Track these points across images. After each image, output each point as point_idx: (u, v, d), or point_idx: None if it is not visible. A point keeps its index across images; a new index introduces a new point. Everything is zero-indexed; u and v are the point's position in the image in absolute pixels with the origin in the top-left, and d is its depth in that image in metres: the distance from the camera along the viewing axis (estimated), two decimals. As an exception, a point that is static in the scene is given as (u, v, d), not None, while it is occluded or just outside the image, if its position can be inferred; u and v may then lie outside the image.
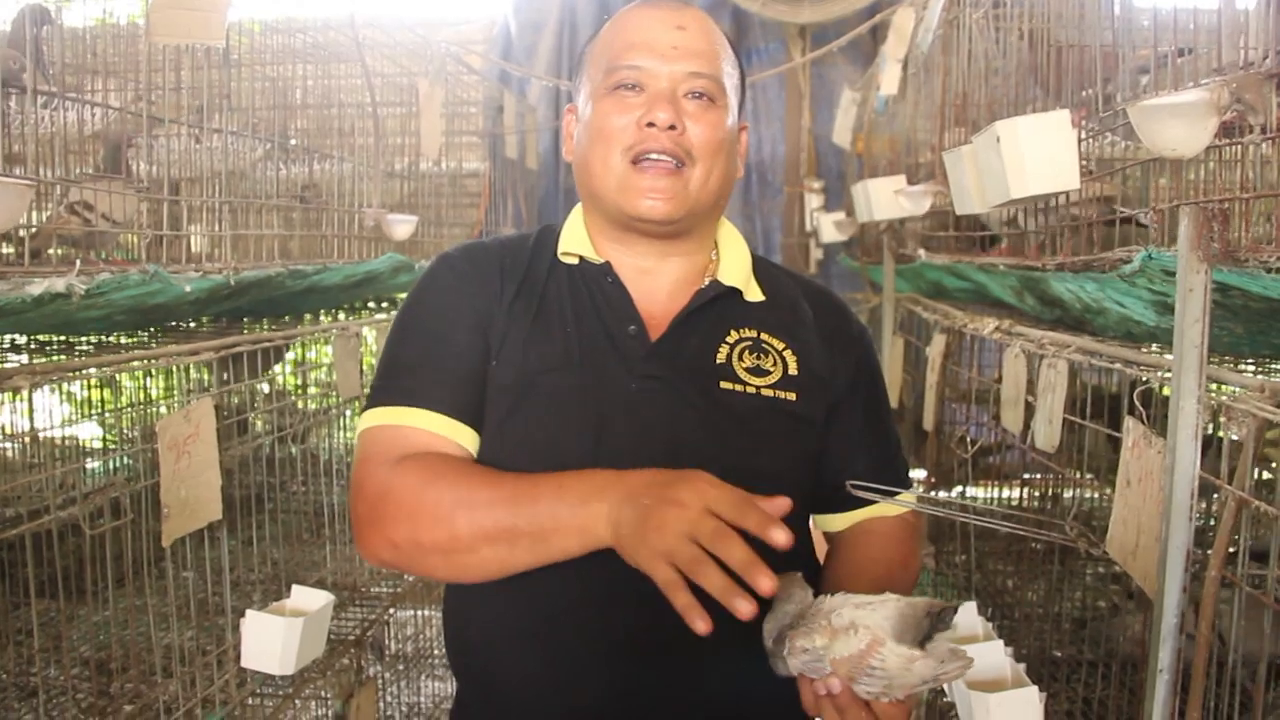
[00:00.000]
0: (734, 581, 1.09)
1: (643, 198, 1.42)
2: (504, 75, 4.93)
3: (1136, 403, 1.54)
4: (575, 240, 1.52)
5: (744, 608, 1.08)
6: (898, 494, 1.57)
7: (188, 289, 2.09)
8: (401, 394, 1.43)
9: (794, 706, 1.61)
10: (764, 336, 1.51)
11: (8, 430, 3.12)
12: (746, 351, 1.49)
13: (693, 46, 1.45)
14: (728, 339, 1.49)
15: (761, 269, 1.60)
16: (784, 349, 1.51)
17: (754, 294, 1.55)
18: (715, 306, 1.50)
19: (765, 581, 1.08)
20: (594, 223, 1.53)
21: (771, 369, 1.48)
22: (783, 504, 1.18)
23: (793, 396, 1.48)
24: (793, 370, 1.49)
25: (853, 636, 1.16)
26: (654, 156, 1.42)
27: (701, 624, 1.10)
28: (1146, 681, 1.41)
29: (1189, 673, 1.41)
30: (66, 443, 3.26)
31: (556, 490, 1.28)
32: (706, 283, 1.52)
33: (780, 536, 1.11)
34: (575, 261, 1.52)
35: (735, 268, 1.54)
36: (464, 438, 1.42)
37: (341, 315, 3.62)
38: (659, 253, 1.51)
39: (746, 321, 1.52)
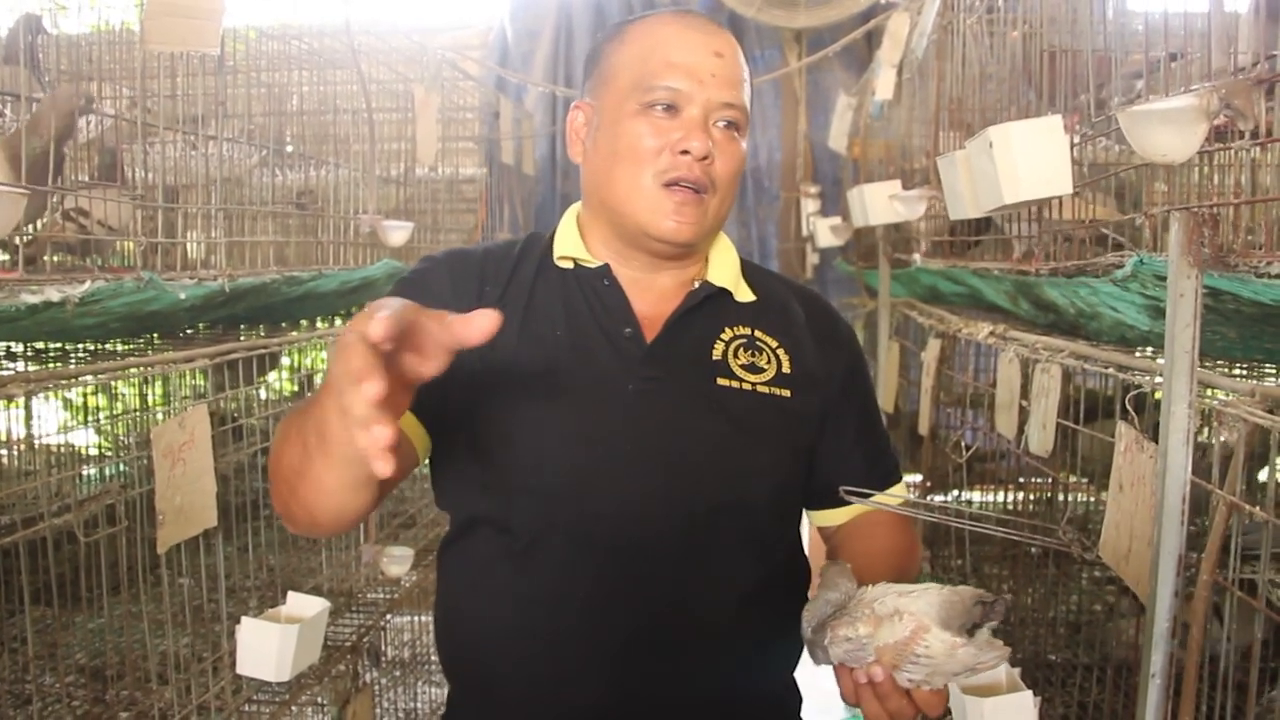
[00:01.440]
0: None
1: (669, 219, 1.43)
2: (500, 81, 4.94)
3: (1129, 407, 1.54)
4: (570, 244, 1.53)
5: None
6: (893, 499, 1.58)
7: (183, 296, 2.09)
8: None
9: (787, 705, 1.62)
10: (758, 334, 1.53)
11: (4, 437, 3.12)
12: (741, 349, 1.50)
13: (729, 75, 1.45)
14: (722, 336, 1.51)
15: (750, 271, 1.62)
16: (777, 347, 1.53)
17: (744, 294, 1.57)
18: (708, 306, 1.52)
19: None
20: (594, 229, 1.54)
21: (766, 366, 1.50)
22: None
23: (787, 393, 1.49)
24: (786, 368, 1.51)
25: (897, 623, 1.17)
26: (682, 184, 1.43)
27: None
28: (1139, 686, 1.41)
29: (1182, 677, 1.41)
30: (63, 450, 3.25)
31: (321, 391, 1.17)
32: (697, 284, 1.53)
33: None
34: (570, 265, 1.52)
35: (724, 269, 1.56)
36: (408, 427, 1.42)
37: (338, 321, 3.62)
38: (656, 266, 1.52)
39: (740, 320, 1.54)
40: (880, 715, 1.20)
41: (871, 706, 1.20)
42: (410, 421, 1.42)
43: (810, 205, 4.90)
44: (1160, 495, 1.36)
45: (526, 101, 5.25)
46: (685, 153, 1.41)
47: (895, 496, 1.61)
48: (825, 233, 4.38)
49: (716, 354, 1.49)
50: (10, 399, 1.64)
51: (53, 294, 1.68)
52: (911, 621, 1.17)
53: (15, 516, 2.36)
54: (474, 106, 4.47)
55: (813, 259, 5.07)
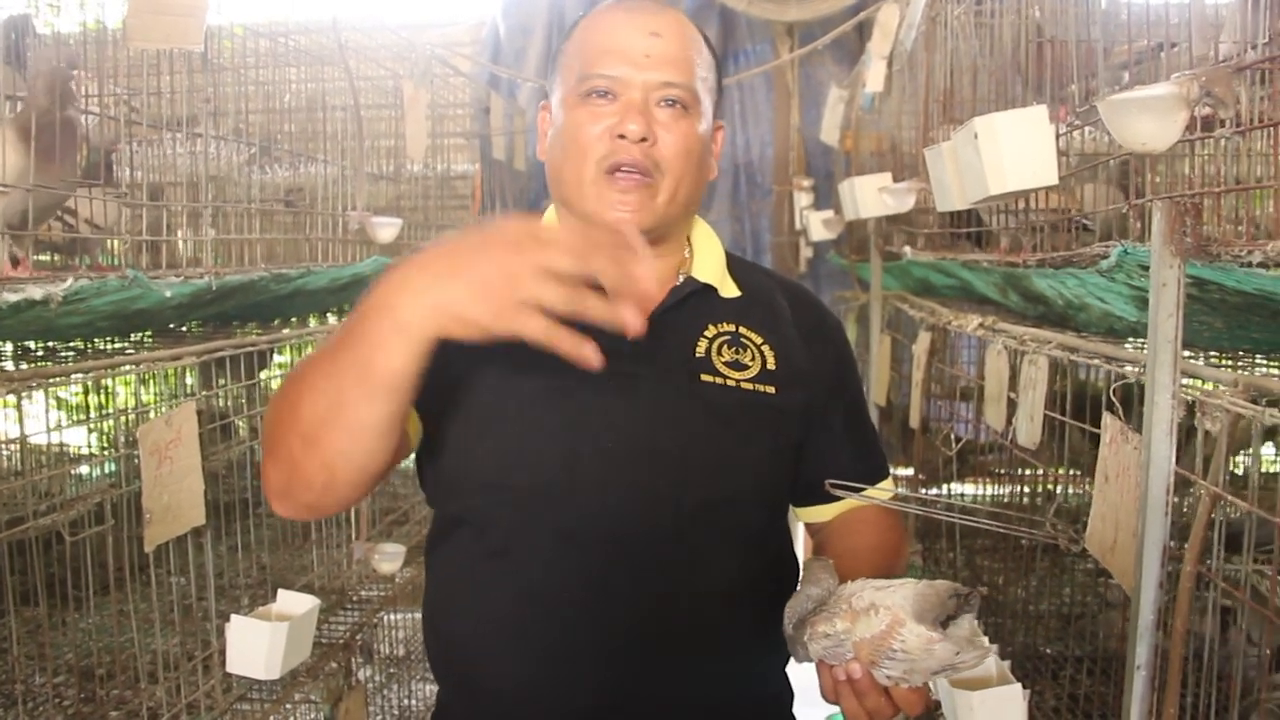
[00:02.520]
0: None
1: (612, 210, 1.42)
2: (493, 78, 4.93)
3: (1115, 399, 1.53)
4: None
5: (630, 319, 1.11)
6: (883, 493, 1.58)
7: (168, 294, 2.09)
8: None
9: (778, 701, 1.61)
10: (742, 331, 1.52)
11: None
12: (725, 345, 1.49)
13: (667, 54, 1.43)
14: (706, 333, 1.50)
15: (736, 266, 1.61)
16: (762, 343, 1.52)
17: (729, 290, 1.56)
18: (691, 302, 1.51)
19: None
20: (568, 224, 1.53)
21: (750, 363, 1.49)
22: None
23: (772, 390, 1.48)
24: (771, 364, 1.50)
25: (873, 617, 1.16)
26: (624, 169, 1.41)
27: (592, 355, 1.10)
28: (1125, 678, 1.41)
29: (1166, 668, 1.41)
30: (53, 449, 3.25)
31: (343, 327, 1.20)
32: (681, 279, 1.52)
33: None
34: None
35: (709, 264, 1.55)
36: None
37: (330, 318, 3.61)
38: None
39: (724, 316, 1.53)
40: (859, 713, 1.20)
41: (850, 704, 1.20)
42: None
43: (803, 199, 4.88)
44: (1144, 486, 1.36)
45: (520, 98, 5.23)
46: (622, 137, 1.40)
47: (883, 491, 1.61)
48: (818, 226, 4.37)
49: (700, 351, 1.48)
50: (-4, 398, 1.63)
51: (35, 292, 1.68)
52: (887, 615, 1.16)
53: (2, 517, 2.35)
54: (465, 103, 4.46)
55: (806, 253, 5.05)
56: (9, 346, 2.85)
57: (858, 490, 1.48)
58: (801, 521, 1.68)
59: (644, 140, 1.40)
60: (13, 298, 1.61)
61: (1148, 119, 1.25)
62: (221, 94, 2.71)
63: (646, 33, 1.43)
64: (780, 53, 5.14)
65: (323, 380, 1.19)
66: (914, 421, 3.07)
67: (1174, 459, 1.35)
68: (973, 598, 1.19)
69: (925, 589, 1.19)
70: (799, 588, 1.27)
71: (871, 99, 3.61)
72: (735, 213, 5.34)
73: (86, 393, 3.59)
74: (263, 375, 3.12)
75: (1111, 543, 1.51)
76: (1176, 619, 1.36)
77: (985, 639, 1.22)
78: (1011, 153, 1.75)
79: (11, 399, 1.65)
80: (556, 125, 1.49)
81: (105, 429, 3.43)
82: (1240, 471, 2.60)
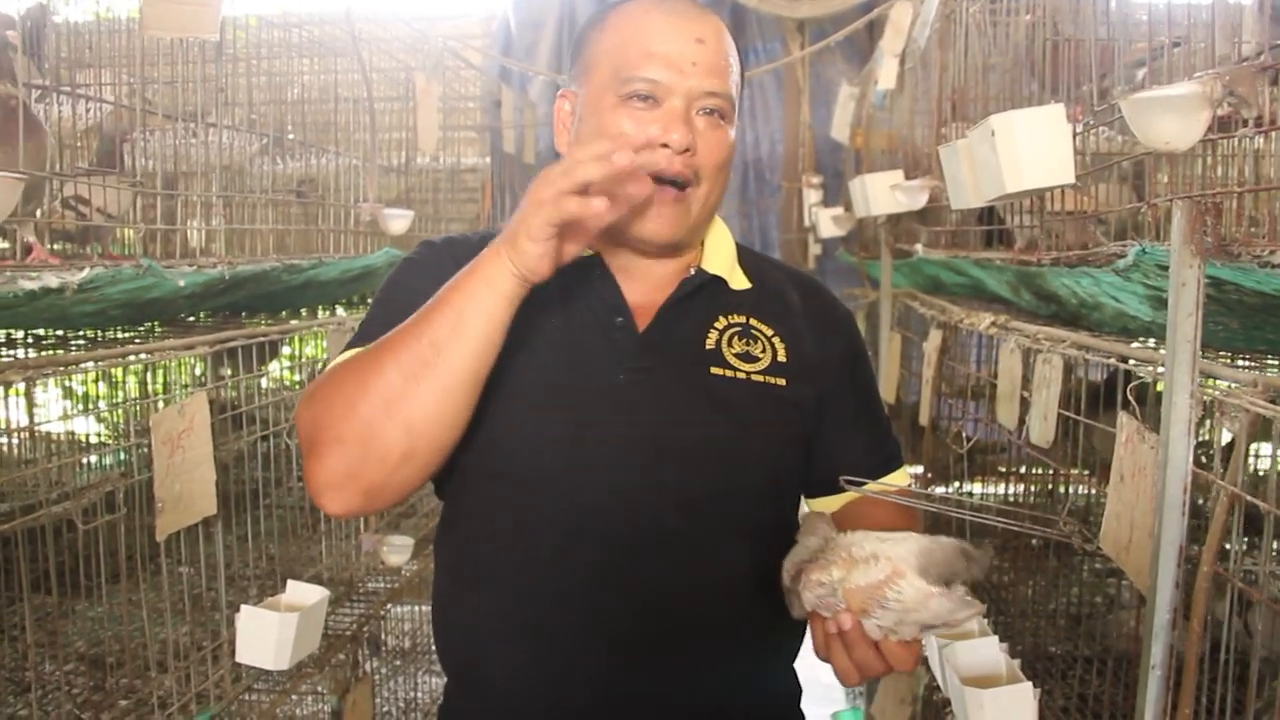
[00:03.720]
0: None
1: (650, 221, 1.40)
2: (504, 71, 4.93)
3: (1130, 398, 1.53)
4: None
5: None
6: (890, 487, 1.57)
7: (181, 283, 2.09)
8: (374, 338, 1.36)
9: (786, 696, 1.61)
10: (753, 322, 1.51)
11: (4, 425, 3.12)
12: (736, 337, 1.49)
13: (711, 63, 1.41)
14: (716, 325, 1.49)
15: (746, 258, 1.60)
16: (773, 335, 1.51)
17: (740, 282, 1.55)
18: (702, 294, 1.50)
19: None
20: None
21: (761, 355, 1.48)
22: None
23: (783, 382, 1.47)
24: (782, 356, 1.49)
25: (873, 566, 1.15)
26: (663, 181, 1.38)
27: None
28: (1139, 677, 1.41)
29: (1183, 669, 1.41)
30: (63, 437, 3.25)
31: (445, 290, 1.28)
32: (692, 272, 1.51)
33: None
34: None
35: (720, 257, 1.54)
36: None
37: (338, 309, 3.61)
38: (646, 256, 1.50)
39: (735, 308, 1.52)
40: (848, 666, 1.18)
41: (840, 659, 1.18)
42: None
43: (812, 196, 4.89)
44: (1161, 486, 1.36)
45: (531, 91, 5.23)
46: (665, 145, 1.37)
47: (892, 485, 1.59)
48: (827, 223, 4.37)
49: (710, 343, 1.47)
50: (9, 386, 1.63)
51: (51, 280, 1.68)
52: (888, 566, 1.15)
53: (14, 504, 2.36)
54: (476, 95, 4.46)
55: (815, 249, 5.05)
56: (15, 334, 2.85)
57: (870, 484, 1.47)
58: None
59: (687, 150, 1.38)
60: (30, 285, 1.62)
61: (1171, 118, 1.25)
62: (233, 84, 2.71)
63: (692, 39, 1.40)
64: (791, 50, 5.14)
65: (412, 341, 1.24)
66: (924, 419, 3.07)
67: (1191, 458, 1.35)
68: (981, 558, 1.16)
69: (931, 544, 1.16)
70: (798, 538, 1.25)
71: (883, 96, 3.61)
72: (744, 209, 5.34)
73: (99, 379, 3.59)
74: (272, 366, 3.13)
75: (1126, 542, 1.51)
76: (1193, 619, 1.36)
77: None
78: (1028, 151, 1.74)
79: (20, 387, 1.65)
80: (588, 120, 1.45)
81: (113, 418, 3.44)
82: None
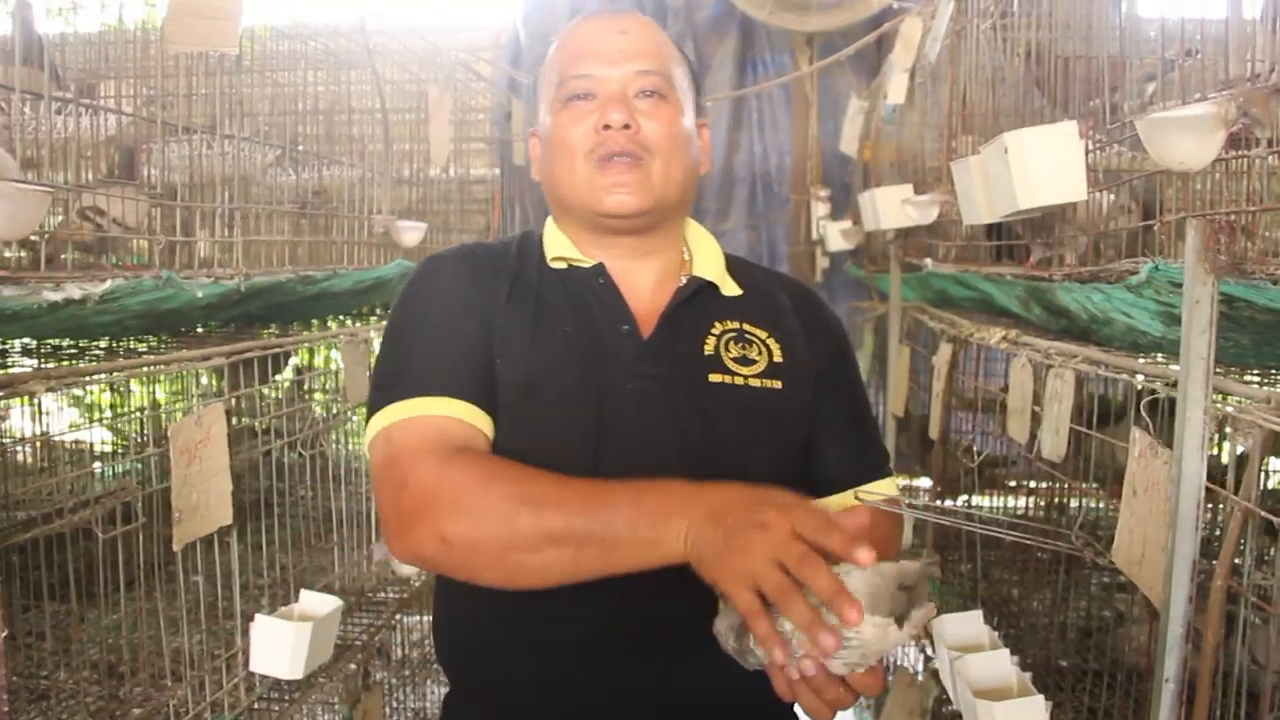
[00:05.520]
0: (818, 613, 1.07)
1: (609, 194, 1.45)
2: (513, 83, 4.96)
3: (1143, 413, 1.54)
4: (560, 245, 1.54)
5: (828, 641, 1.05)
6: (904, 504, 1.57)
7: (199, 294, 2.11)
8: (419, 385, 1.40)
9: (787, 705, 1.62)
10: (746, 327, 1.53)
11: (18, 434, 3.14)
12: (732, 342, 1.51)
13: (637, 47, 1.48)
14: (713, 331, 1.51)
15: (733, 265, 1.63)
16: (767, 338, 1.53)
17: (730, 288, 1.57)
18: (697, 301, 1.53)
19: (851, 612, 1.05)
20: (570, 230, 1.55)
21: (757, 358, 1.50)
22: (861, 520, 1.19)
23: (779, 384, 1.49)
24: (777, 358, 1.51)
25: (825, 612, 1.09)
26: (614, 157, 1.44)
27: (780, 652, 1.09)
28: (1152, 691, 1.42)
29: (1195, 684, 1.42)
30: (72, 446, 3.27)
31: (634, 498, 1.24)
32: (684, 279, 1.54)
33: (865, 556, 1.08)
34: (564, 266, 1.53)
35: (709, 263, 1.57)
36: (486, 425, 1.41)
37: (349, 321, 3.64)
38: (635, 252, 1.53)
39: (728, 314, 1.54)
40: (819, 707, 1.16)
41: (808, 700, 1.16)
42: (490, 424, 1.43)
43: (820, 209, 4.89)
44: (1174, 501, 1.37)
45: (539, 103, 5.25)
46: (607, 127, 1.44)
47: (880, 493, 1.58)
48: (835, 236, 4.38)
49: (709, 348, 1.49)
50: (31, 395, 1.65)
51: (74, 291, 1.70)
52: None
53: (31, 512, 2.37)
54: (485, 108, 4.48)
55: (822, 263, 5.06)
56: (34, 344, 2.87)
57: (883, 499, 1.48)
58: None
59: (627, 127, 1.44)
60: (54, 296, 1.64)
61: (1186, 138, 1.27)
62: (246, 95, 2.73)
63: (615, 31, 1.49)
64: (799, 63, 5.15)
65: (563, 524, 1.24)
66: (934, 433, 3.08)
67: (1204, 474, 1.36)
68: (921, 587, 1.14)
69: (874, 578, 1.12)
70: (723, 601, 1.22)
71: (893, 110, 3.62)
72: (752, 222, 5.35)
73: (105, 391, 3.61)
74: (285, 375, 3.15)
75: (1139, 557, 1.52)
76: (1207, 633, 1.37)
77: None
78: (1041, 168, 1.76)
79: (30, 397, 1.67)
80: (544, 137, 1.54)
81: (132, 428, 3.45)
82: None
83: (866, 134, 4.25)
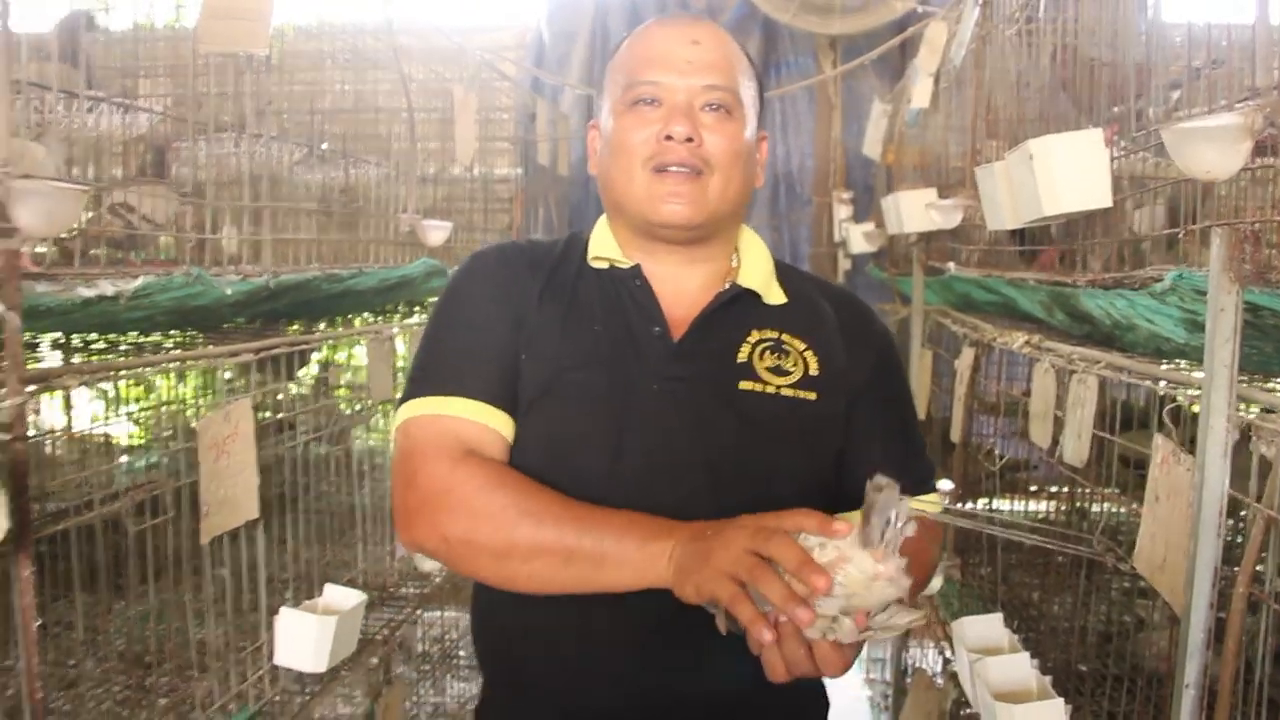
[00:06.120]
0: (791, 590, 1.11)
1: (664, 203, 1.45)
2: (537, 83, 4.98)
3: (1166, 420, 1.55)
4: (604, 246, 1.55)
5: (804, 615, 1.10)
6: (924, 503, 1.57)
7: (228, 291, 2.13)
8: (443, 383, 1.45)
9: (815, 708, 1.63)
10: (785, 337, 1.53)
11: (47, 427, 3.17)
12: (768, 351, 1.50)
13: (707, 60, 1.48)
14: (749, 339, 1.51)
15: (784, 273, 1.62)
16: (805, 349, 1.52)
17: (775, 297, 1.57)
18: (736, 307, 1.52)
19: (819, 579, 1.09)
20: (619, 232, 1.56)
21: (792, 369, 1.49)
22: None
23: (813, 396, 1.48)
24: (814, 370, 1.50)
25: (818, 553, 1.13)
26: (673, 168, 1.45)
27: (769, 634, 1.12)
28: (1172, 697, 1.43)
29: (1215, 689, 1.42)
30: (100, 439, 3.30)
31: (622, 522, 1.31)
32: (727, 286, 1.54)
33: (820, 582, 1.11)
34: (605, 266, 1.54)
35: (756, 271, 1.56)
36: (505, 426, 1.45)
37: (371, 318, 3.66)
38: (683, 259, 1.53)
39: (768, 323, 1.54)
40: (776, 663, 1.16)
41: (770, 655, 1.16)
42: (507, 423, 1.46)
43: (843, 211, 4.90)
44: (1197, 507, 1.38)
45: (562, 103, 5.28)
46: (669, 138, 1.44)
47: (928, 502, 1.59)
48: (858, 239, 4.39)
49: (742, 356, 1.49)
50: (65, 390, 1.67)
51: (107, 288, 1.73)
52: (834, 551, 1.14)
53: (61, 504, 2.40)
54: (509, 107, 4.50)
55: (844, 264, 5.07)
56: (63, 338, 2.90)
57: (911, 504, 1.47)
58: None
59: (690, 141, 1.44)
60: (88, 293, 1.66)
61: (1212, 147, 1.27)
62: (272, 94, 2.75)
63: (687, 41, 1.48)
64: (823, 65, 5.17)
65: (556, 538, 1.33)
66: (955, 436, 3.08)
67: (1227, 481, 1.36)
68: (888, 488, 1.13)
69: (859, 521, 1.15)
70: (711, 606, 1.23)
71: (917, 114, 3.62)
72: (774, 223, 5.36)
73: (140, 384, 3.65)
74: (304, 371, 3.18)
75: (1161, 562, 1.53)
76: (1228, 640, 1.38)
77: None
78: (1065, 174, 1.77)
79: (54, 392, 1.69)
80: (605, 135, 1.54)
81: (149, 421, 3.48)
82: None
83: (890, 137, 4.25)
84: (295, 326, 3.15)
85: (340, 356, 4.24)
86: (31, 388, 1.58)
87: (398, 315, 3.80)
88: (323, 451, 2.85)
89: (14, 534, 1.44)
